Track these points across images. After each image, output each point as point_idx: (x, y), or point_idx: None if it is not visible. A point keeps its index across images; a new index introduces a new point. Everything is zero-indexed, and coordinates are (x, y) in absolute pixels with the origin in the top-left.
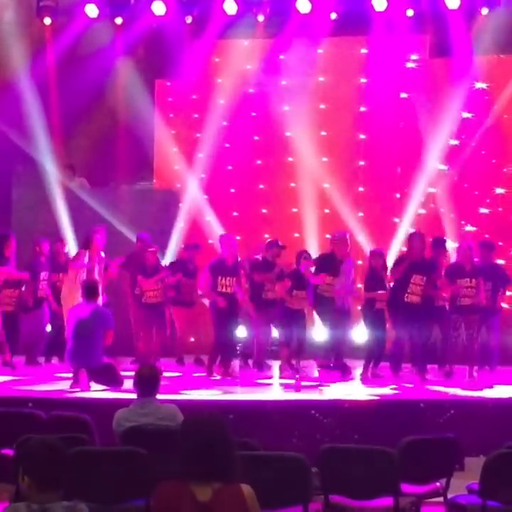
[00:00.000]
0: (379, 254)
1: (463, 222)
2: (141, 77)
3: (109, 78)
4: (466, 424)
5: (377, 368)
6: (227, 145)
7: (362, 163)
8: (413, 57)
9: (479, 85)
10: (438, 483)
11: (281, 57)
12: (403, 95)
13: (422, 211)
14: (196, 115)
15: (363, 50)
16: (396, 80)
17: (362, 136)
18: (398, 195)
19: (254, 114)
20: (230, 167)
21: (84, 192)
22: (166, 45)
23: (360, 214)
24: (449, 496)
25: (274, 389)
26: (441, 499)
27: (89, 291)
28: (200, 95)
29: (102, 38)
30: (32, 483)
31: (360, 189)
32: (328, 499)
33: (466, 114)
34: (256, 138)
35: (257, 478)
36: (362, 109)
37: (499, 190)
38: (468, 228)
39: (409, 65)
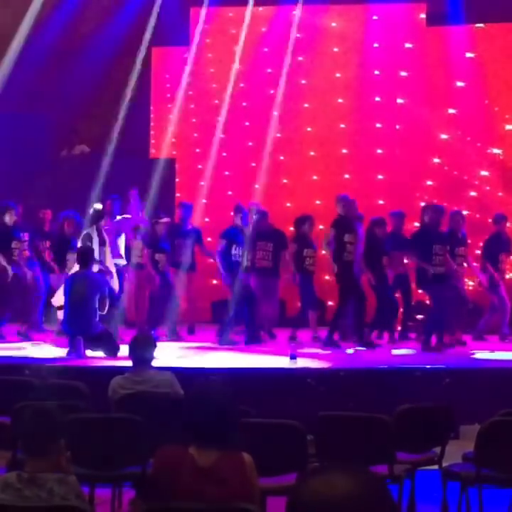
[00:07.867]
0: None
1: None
2: (139, 44)
3: (110, 45)
4: (461, 392)
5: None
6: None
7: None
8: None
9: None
10: (433, 451)
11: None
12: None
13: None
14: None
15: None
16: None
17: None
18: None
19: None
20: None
21: (85, 159)
22: (163, 12)
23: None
24: (444, 464)
25: (270, 357)
26: (436, 467)
27: (84, 258)
28: (199, 65)
29: (102, 5)
30: (24, 451)
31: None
32: None
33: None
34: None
35: (253, 445)
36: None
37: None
38: None
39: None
